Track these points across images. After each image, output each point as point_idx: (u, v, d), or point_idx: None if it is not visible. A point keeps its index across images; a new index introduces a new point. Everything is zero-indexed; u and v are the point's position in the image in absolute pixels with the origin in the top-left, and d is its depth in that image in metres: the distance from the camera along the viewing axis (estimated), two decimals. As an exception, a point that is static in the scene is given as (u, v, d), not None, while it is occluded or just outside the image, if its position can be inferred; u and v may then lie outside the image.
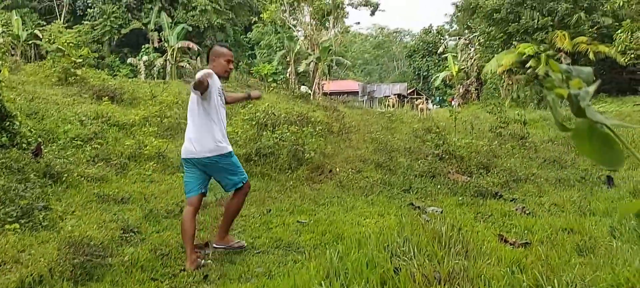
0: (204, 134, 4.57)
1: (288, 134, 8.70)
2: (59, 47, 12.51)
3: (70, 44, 12.33)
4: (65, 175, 6.43)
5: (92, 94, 10.77)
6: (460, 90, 47.39)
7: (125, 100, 11.08)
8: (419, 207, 6.47)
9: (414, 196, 7.23)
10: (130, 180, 7.00)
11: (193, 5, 47.47)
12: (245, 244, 4.89)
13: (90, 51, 13.60)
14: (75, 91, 10.81)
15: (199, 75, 4.30)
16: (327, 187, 7.39)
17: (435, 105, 46.35)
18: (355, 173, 8.21)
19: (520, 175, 8.33)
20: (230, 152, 4.69)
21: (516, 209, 6.52)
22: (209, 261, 4.46)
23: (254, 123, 9.29)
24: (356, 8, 45.78)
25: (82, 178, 6.54)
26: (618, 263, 4.03)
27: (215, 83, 4.64)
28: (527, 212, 6.40)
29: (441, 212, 6.26)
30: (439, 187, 7.65)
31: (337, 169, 8.24)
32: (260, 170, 7.94)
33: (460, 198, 6.98)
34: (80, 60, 12.38)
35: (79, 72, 12.07)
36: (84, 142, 7.78)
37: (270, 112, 9.51)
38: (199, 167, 4.59)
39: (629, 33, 21.06)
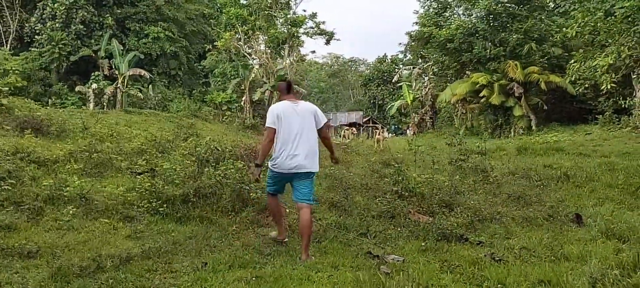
0: None
1: (232, 170, 7.86)
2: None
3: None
4: (-37, 223, 5.43)
5: (16, 125, 9.63)
6: (415, 119, 47.56)
7: (52, 132, 9.95)
8: (377, 256, 5.72)
9: (372, 241, 6.49)
10: (44, 228, 5.94)
11: (145, 32, 46.28)
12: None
13: (17, 79, 12.43)
14: (-3, 123, 9.74)
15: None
16: (274, 232, 6.57)
17: (391, 134, 46.21)
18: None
19: (485, 214, 7.74)
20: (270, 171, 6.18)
21: (485, 255, 5.86)
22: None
23: (194, 159, 8.41)
24: (311, 37, 45.67)
25: (-17, 228, 5.53)
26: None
27: None
28: (497, 258, 5.75)
29: (403, 261, 5.55)
30: (399, 229, 6.94)
31: (287, 210, 7.43)
32: (200, 213, 7.01)
33: (423, 243, 6.28)
34: (7, 88, 11.26)
35: (4, 101, 10.93)
36: (-6, 183, 6.74)
37: (213, 146, 8.62)
38: None
39: (582, 62, 21.13)
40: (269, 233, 6.53)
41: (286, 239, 6.34)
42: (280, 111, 5.96)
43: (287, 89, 6.29)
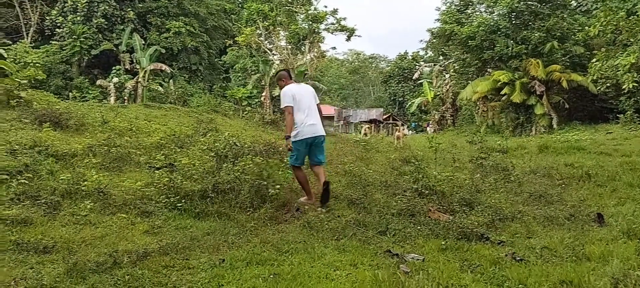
0: None
1: (251, 166, 7.82)
2: (1, 66, 11.44)
3: (17, 63, 11.30)
4: (-22, 218, 5.40)
5: (35, 118, 9.64)
6: (436, 116, 47.25)
7: (71, 126, 9.94)
8: (397, 255, 5.64)
9: (391, 239, 6.40)
10: (61, 222, 5.94)
11: (167, 27, 46.57)
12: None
13: (37, 71, 12.48)
14: (16, 116, 9.70)
15: None
16: (293, 229, 6.51)
17: (410, 131, 45.98)
18: (325, 211, 7.35)
19: (506, 213, 7.61)
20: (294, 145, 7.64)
21: (506, 255, 5.75)
22: None
23: (213, 154, 8.38)
24: (332, 33, 45.37)
25: (-1, 222, 5.50)
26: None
27: None
28: (518, 258, 5.64)
29: (422, 260, 5.46)
30: (419, 227, 6.83)
31: (306, 207, 7.38)
32: (217, 209, 6.97)
33: (443, 242, 6.17)
34: (26, 81, 11.32)
35: (23, 94, 10.99)
36: (11, 176, 6.68)
37: (231, 142, 8.58)
38: None
39: (604, 61, 20.84)
40: (299, 199, 7.75)
41: (315, 202, 7.58)
42: (294, 92, 7.63)
43: (289, 75, 8.05)
